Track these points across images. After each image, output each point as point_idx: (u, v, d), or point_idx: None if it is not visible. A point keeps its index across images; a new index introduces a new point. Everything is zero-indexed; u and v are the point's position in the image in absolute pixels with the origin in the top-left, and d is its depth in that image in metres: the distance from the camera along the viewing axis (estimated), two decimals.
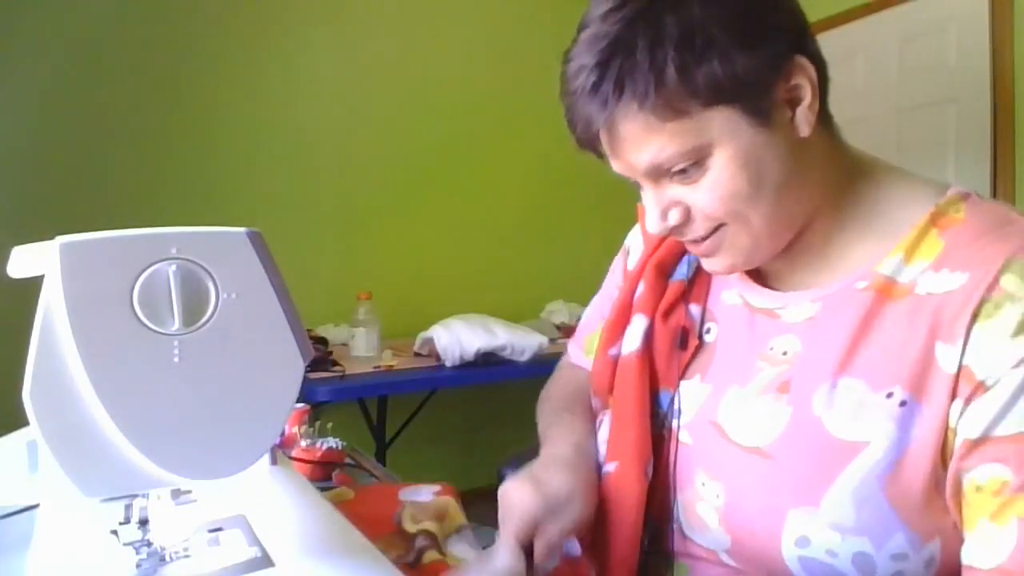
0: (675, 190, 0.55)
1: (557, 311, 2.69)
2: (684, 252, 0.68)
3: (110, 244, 0.39)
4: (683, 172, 0.53)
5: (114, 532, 0.46)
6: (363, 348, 2.05)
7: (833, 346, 0.54)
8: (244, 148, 2.41)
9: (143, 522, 0.46)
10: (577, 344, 0.84)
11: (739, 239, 0.56)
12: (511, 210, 2.90)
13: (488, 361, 1.94)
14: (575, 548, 0.67)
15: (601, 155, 0.57)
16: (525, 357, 1.97)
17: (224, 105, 2.38)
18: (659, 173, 0.54)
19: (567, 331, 2.49)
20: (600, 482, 0.62)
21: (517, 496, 0.57)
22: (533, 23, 2.88)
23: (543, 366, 2.02)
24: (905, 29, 2.49)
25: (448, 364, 1.92)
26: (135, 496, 0.45)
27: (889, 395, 0.49)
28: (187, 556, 0.47)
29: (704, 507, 0.58)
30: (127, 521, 0.46)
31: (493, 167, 2.86)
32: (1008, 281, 0.47)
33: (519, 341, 1.97)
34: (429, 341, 1.99)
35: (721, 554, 0.57)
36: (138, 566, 0.45)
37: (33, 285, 0.39)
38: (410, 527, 0.68)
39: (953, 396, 0.47)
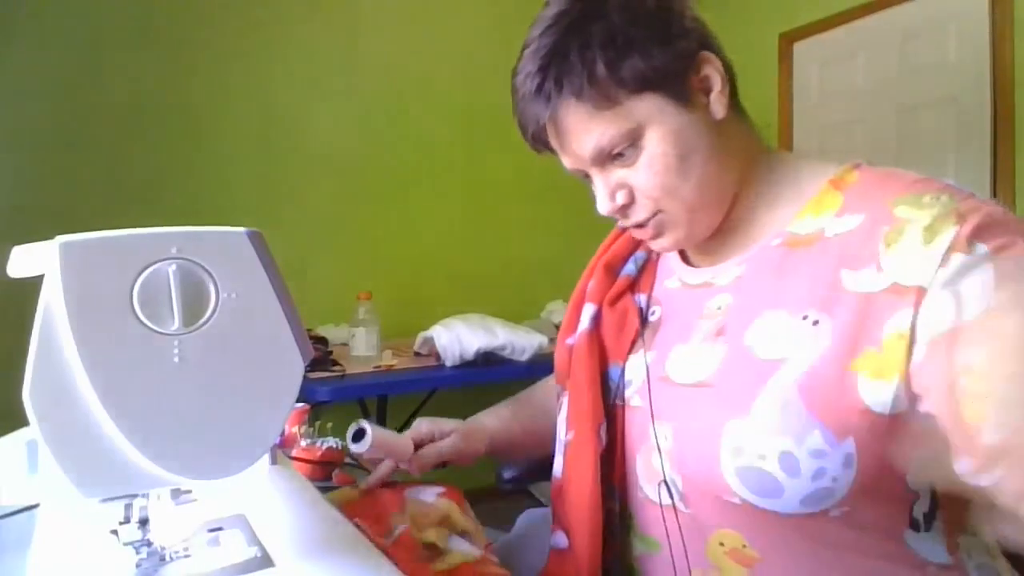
0: (618, 173, 0.64)
1: (557, 311, 2.69)
2: (631, 254, 0.80)
3: (110, 244, 0.39)
4: (622, 155, 0.62)
5: (114, 532, 0.46)
6: (363, 348, 2.05)
7: (759, 290, 0.62)
8: (244, 148, 2.41)
9: (143, 522, 0.46)
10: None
11: (678, 218, 0.65)
12: (511, 210, 2.90)
13: (488, 361, 1.94)
14: (562, 541, 0.69)
15: (552, 151, 0.67)
16: (525, 357, 1.97)
17: (224, 105, 2.38)
18: (603, 158, 0.63)
19: None
20: (564, 455, 0.72)
21: (418, 423, 0.84)
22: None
23: (543, 366, 2.02)
24: (905, 29, 2.49)
25: (448, 364, 1.92)
26: (135, 496, 0.45)
27: (805, 317, 0.57)
28: (187, 556, 0.47)
29: (657, 457, 0.64)
30: (127, 521, 0.46)
31: (493, 167, 2.86)
32: (900, 211, 0.55)
33: (519, 341, 1.97)
34: (429, 341, 1.99)
35: (677, 503, 0.63)
36: (138, 566, 0.45)
37: (33, 285, 0.39)
38: (415, 533, 0.68)
39: (892, 308, 0.53)
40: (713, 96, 0.63)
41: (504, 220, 2.89)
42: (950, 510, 0.59)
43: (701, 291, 0.68)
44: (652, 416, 0.65)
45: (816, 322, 0.56)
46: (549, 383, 0.96)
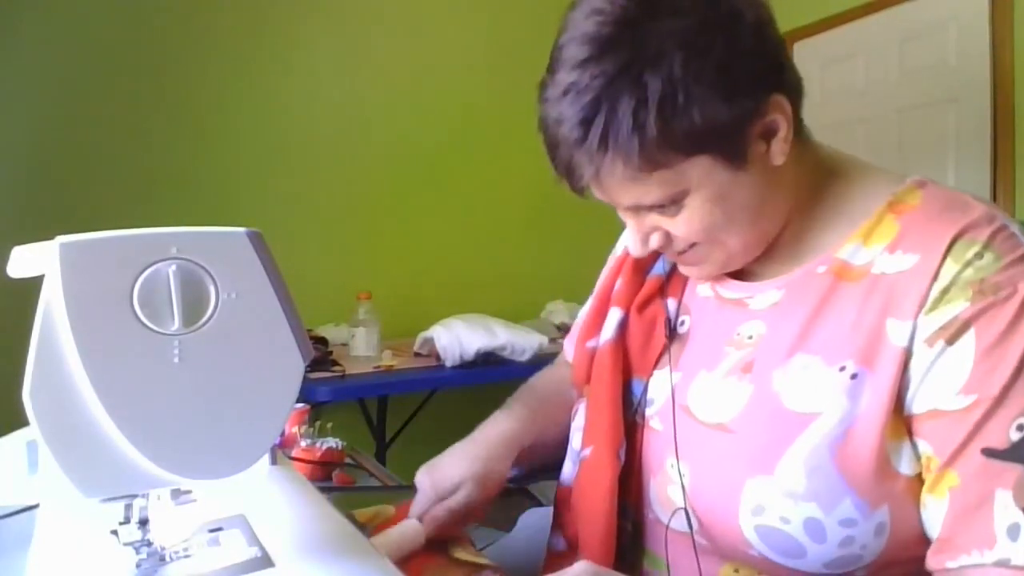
0: (655, 219, 0.59)
1: (557, 311, 2.69)
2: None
3: (110, 244, 0.39)
4: (663, 208, 0.57)
5: (114, 532, 0.46)
6: (363, 348, 2.05)
7: (793, 326, 0.57)
8: (244, 148, 2.41)
9: (143, 522, 0.46)
10: (570, 341, 0.89)
11: (715, 255, 0.61)
12: (511, 210, 2.89)
13: (488, 361, 1.94)
14: (560, 543, 0.68)
15: (582, 192, 0.59)
16: (525, 357, 1.97)
17: (224, 105, 2.38)
18: (639, 209, 0.58)
19: (567, 331, 2.48)
20: (578, 469, 0.67)
21: (418, 481, 0.71)
22: (534, 24, 2.87)
23: (543, 366, 2.02)
24: (905, 29, 2.49)
25: (448, 364, 1.92)
26: (135, 496, 0.45)
27: (842, 369, 0.53)
28: (187, 556, 0.47)
29: (674, 489, 0.60)
30: (127, 521, 0.45)
31: (493, 167, 2.86)
32: (947, 262, 0.51)
33: (519, 341, 1.97)
34: (429, 341, 1.99)
35: (694, 535, 0.59)
36: (138, 566, 0.45)
37: (33, 285, 0.39)
38: (467, 557, 0.68)
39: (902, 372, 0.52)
40: (775, 143, 0.56)
41: (504, 220, 2.89)
42: None
43: (734, 310, 0.63)
44: (676, 447, 0.61)
45: (854, 375, 0.52)
46: (552, 376, 0.89)
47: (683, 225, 0.57)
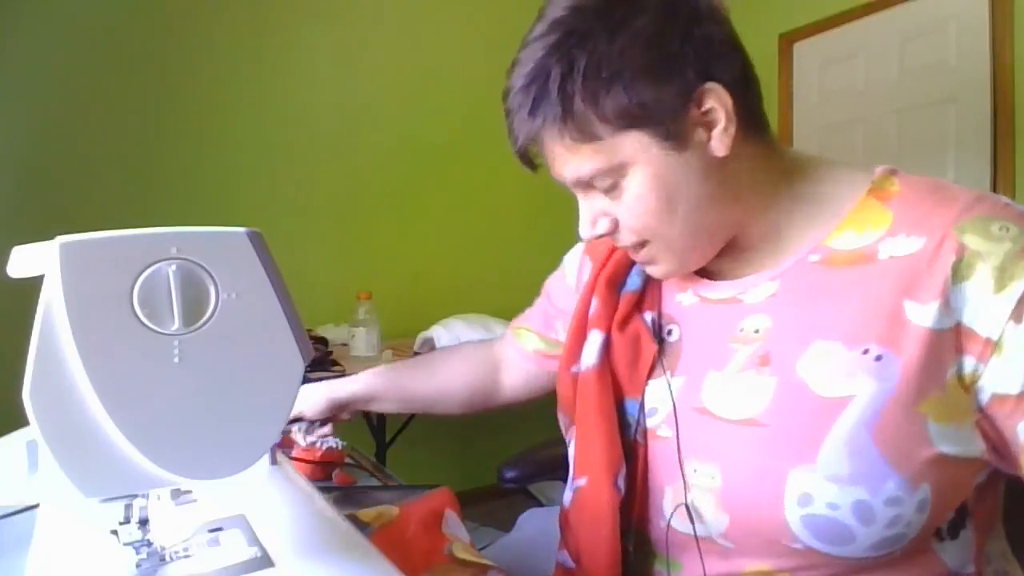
0: (602, 201, 0.60)
1: None
2: (633, 264, 0.71)
3: (110, 244, 0.39)
4: (606, 187, 0.58)
5: (114, 532, 0.46)
6: (363, 348, 2.05)
7: (803, 314, 0.57)
8: (244, 148, 2.41)
9: (143, 522, 0.46)
10: (521, 322, 1.01)
11: (665, 253, 0.61)
12: (511, 210, 2.90)
13: None
14: (567, 560, 0.67)
15: (534, 166, 0.62)
16: None
17: (224, 105, 2.38)
18: (584, 186, 0.59)
19: None
20: (573, 498, 0.67)
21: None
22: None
23: None
24: (905, 29, 2.49)
25: None
26: (135, 496, 0.45)
27: (865, 351, 0.53)
28: (187, 556, 0.47)
29: (698, 494, 0.59)
30: (127, 521, 0.46)
31: (493, 167, 2.85)
32: (969, 239, 0.51)
33: None
34: (429, 341, 1.99)
35: (716, 539, 0.58)
36: (138, 566, 0.45)
37: (33, 285, 0.39)
38: (471, 557, 0.68)
39: (957, 352, 0.51)
40: (715, 134, 0.56)
41: (504, 220, 2.89)
42: (981, 517, 0.57)
43: (728, 308, 0.62)
44: (679, 447, 0.60)
45: (879, 357, 0.52)
46: (460, 349, 1.03)
47: (626, 208, 0.58)
